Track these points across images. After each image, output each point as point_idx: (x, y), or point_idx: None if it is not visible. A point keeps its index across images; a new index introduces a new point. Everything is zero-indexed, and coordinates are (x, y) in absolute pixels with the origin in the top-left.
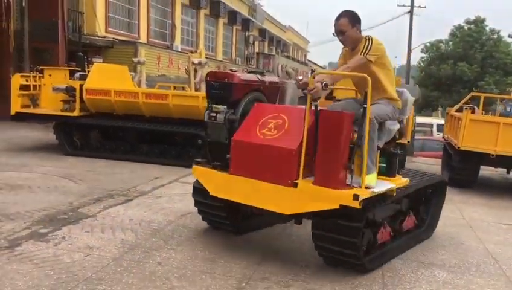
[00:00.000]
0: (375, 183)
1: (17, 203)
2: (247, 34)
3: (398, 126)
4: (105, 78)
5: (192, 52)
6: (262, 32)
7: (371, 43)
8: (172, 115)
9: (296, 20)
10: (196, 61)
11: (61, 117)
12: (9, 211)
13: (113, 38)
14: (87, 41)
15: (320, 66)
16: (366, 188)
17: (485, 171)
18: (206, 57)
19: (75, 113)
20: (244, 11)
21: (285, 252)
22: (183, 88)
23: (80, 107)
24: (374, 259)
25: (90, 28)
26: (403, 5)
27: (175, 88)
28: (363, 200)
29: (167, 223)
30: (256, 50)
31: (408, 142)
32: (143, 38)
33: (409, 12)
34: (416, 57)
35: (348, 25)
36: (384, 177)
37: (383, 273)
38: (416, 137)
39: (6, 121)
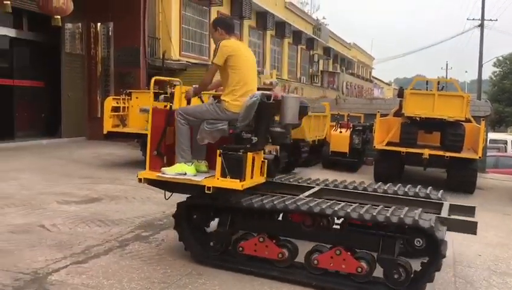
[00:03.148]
0: (180, 172)
1: (118, 211)
2: (311, 52)
3: (219, 127)
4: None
5: (259, 72)
6: (327, 50)
7: (217, 47)
8: None
9: (361, 37)
10: (268, 81)
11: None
12: (114, 218)
13: (186, 61)
14: (164, 65)
15: (386, 83)
16: (163, 173)
17: None
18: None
19: None
20: (308, 31)
21: None
22: None
23: None
24: (219, 259)
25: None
26: (473, 19)
27: None
28: (145, 179)
29: None
30: (321, 68)
31: (479, 157)
32: None
33: (479, 26)
34: (488, 71)
35: (212, 28)
36: (226, 179)
37: (455, 280)
38: (489, 154)
39: (94, 139)
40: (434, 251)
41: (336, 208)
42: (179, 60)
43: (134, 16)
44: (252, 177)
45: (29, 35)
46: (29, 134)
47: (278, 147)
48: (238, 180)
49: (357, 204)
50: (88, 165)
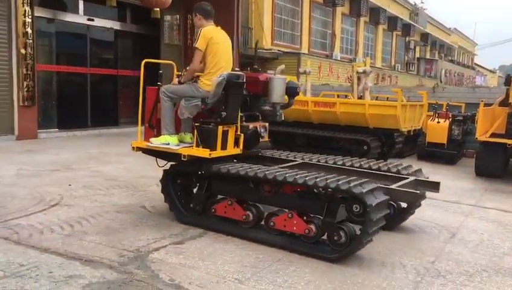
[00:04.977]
0: (164, 142)
1: None
2: (407, 39)
3: (194, 103)
4: None
5: (351, 60)
6: (424, 36)
7: (199, 34)
8: (340, 122)
9: (463, 22)
10: (361, 70)
11: None
12: None
13: (278, 50)
14: (256, 54)
15: (489, 70)
16: (150, 143)
17: None
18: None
19: None
20: (405, 16)
21: (458, 254)
22: (346, 96)
23: None
24: (197, 218)
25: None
26: None
27: (338, 96)
28: (137, 147)
29: None
30: (417, 55)
31: None
32: (304, 49)
33: None
34: None
35: (194, 14)
36: (199, 148)
37: None
38: None
39: None
40: (365, 217)
41: (286, 175)
42: (270, 49)
43: (229, 6)
44: (224, 149)
45: (132, 28)
46: (132, 121)
47: (267, 124)
48: (208, 150)
49: (313, 174)
50: None
